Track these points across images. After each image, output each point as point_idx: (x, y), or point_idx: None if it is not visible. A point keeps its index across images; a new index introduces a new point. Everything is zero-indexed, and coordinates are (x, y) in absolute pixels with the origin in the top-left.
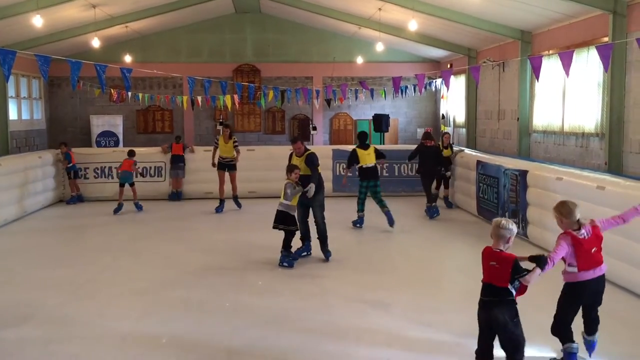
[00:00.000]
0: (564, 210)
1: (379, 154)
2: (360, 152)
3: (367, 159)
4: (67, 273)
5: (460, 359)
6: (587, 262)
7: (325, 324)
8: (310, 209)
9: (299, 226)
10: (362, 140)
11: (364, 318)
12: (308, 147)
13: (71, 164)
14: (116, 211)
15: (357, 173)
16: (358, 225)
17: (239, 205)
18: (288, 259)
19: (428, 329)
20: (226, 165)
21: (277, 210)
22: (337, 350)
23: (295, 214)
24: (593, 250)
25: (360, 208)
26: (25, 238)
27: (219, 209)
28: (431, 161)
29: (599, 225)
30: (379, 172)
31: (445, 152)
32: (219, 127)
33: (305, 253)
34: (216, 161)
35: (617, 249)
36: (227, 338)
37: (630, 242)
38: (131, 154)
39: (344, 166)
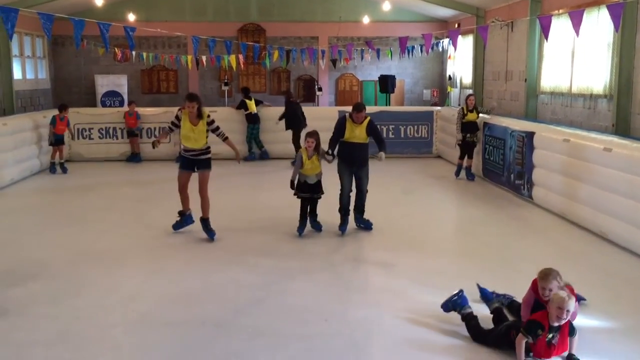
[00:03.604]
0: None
1: (257, 102)
2: (248, 103)
3: (252, 107)
4: (74, 232)
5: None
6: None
7: (329, 284)
8: (354, 178)
9: (340, 198)
10: (246, 93)
11: (368, 279)
12: (314, 108)
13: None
14: (130, 159)
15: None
16: (249, 159)
17: (210, 234)
18: (301, 228)
19: (431, 289)
20: (194, 162)
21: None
22: (340, 309)
23: (315, 182)
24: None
25: (258, 146)
26: (31, 198)
27: (177, 227)
28: (299, 116)
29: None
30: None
31: (471, 116)
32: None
33: (344, 228)
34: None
35: (620, 210)
36: (233, 296)
37: (634, 202)
38: (129, 103)
39: None
